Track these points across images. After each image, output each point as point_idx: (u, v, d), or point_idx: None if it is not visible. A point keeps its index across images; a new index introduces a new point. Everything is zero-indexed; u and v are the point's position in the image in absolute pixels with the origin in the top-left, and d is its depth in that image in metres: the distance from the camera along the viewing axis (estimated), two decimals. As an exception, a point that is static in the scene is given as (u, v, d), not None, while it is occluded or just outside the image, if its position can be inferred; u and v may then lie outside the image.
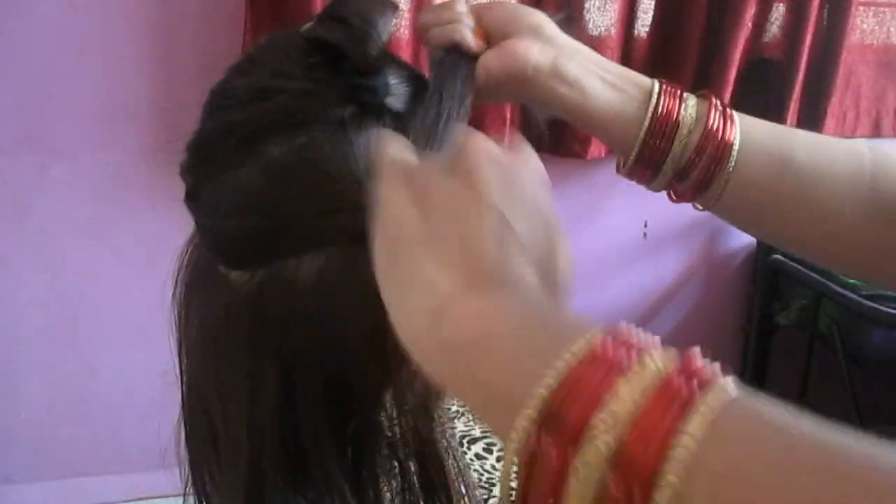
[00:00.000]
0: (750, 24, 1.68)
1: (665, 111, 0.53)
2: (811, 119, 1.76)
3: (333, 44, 0.43)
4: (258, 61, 0.46)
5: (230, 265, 0.46)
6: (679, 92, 0.54)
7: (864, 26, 1.79)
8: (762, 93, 1.72)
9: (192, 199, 0.48)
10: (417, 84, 0.49)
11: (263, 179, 0.43)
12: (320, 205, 0.43)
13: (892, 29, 1.80)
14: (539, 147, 1.46)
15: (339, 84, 0.43)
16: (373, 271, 0.36)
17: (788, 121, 1.72)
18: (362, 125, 0.44)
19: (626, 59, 1.63)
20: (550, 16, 0.56)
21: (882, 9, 1.79)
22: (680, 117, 0.53)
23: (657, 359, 0.26)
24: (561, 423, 0.26)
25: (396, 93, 0.46)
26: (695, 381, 0.26)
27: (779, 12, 1.69)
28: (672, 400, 0.25)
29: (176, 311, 0.50)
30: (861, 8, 1.76)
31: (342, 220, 0.43)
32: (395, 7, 0.45)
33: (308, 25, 0.45)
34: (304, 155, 0.43)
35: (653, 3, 1.62)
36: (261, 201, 0.44)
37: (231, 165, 0.44)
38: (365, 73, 0.43)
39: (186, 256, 0.50)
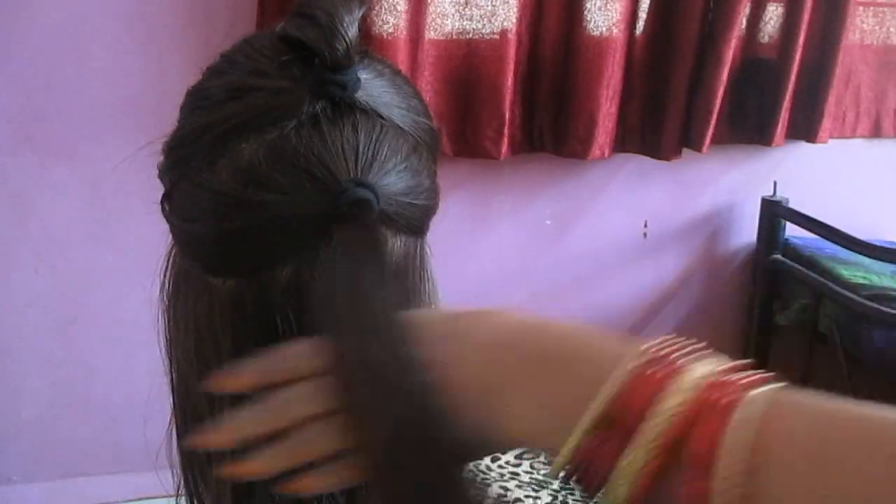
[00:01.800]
0: (745, 25, 1.68)
1: None
2: (806, 120, 1.76)
3: (302, 41, 0.43)
4: (234, 61, 0.47)
5: (206, 272, 0.47)
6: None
7: (864, 26, 1.79)
8: (757, 93, 1.72)
9: (167, 201, 0.48)
10: (393, 79, 0.49)
11: (234, 180, 0.43)
12: (291, 205, 0.43)
13: (892, 29, 1.80)
14: (541, 146, 1.46)
15: (309, 80, 0.43)
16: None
17: (782, 121, 1.72)
18: (335, 121, 0.44)
19: (625, 59, 1.63)
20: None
21: (882, 8, 1.79)
22: None
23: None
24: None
25: (368, 87, 0.46)
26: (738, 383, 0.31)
27: (776, 13, 1.69)
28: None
29: (162, 313, 0.50)
30: (861, 8, 1.76)
31: (314, 223, 0.43)
32: (362, 2, 0.45)
33: (281, 24, 0.46)
34: (273, 153, 0.43)
35: (647, 3, 1.62)
36: (230, 203, 0.44)
37: (205, 166, 0.44)
38: (335, 69, 0.43)
39: (170, 259, 0.50)
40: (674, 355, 0.32)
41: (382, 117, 0.46)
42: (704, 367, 0.32)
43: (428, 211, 0.50)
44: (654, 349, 0.33)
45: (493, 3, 1.54)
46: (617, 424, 0.31)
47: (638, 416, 0.30)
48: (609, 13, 1.57)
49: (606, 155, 1.67)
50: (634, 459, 0.30)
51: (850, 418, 0.30)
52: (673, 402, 0.30)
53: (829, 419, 0.30)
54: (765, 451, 0.29)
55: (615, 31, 1.58)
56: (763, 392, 0.31)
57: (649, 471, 0.30)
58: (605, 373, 0.32)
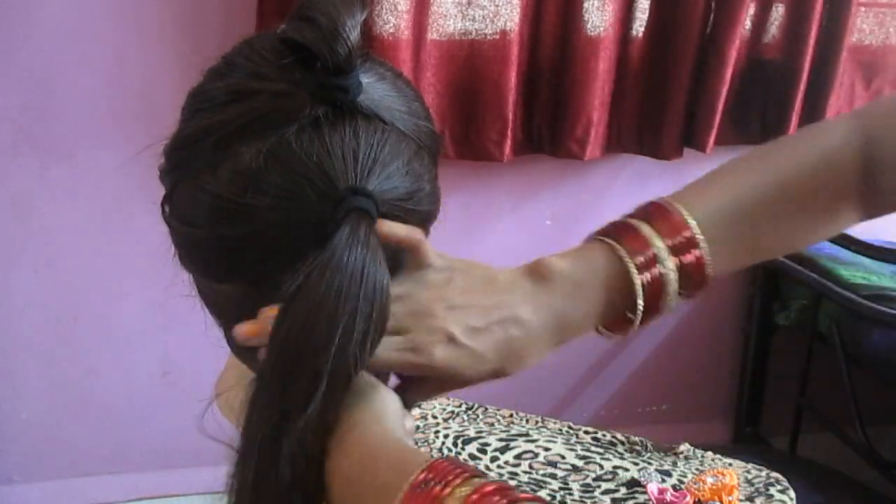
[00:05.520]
0: (749, 25, 1.68)
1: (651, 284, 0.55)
2: (809, 120, 1.76)
3: (303, 44, 0.43)
4: (235, 64, 0.46)
5: (205, 277, 0.47)
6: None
7: (863, 27, 1.79)
8: (762, 94, 1.72)
9: (167, 203, 0.48)
10: (395, 82, 0.48)
11: (234, 184, 0.43)
12: (289, 212, 0.43)
13: (890, 30, 1.80)
14: (539, 148, 1.47)
15: (311, 84, 0.43)
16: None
17: (791, 122, 1.72)
18: (336, 125, 0.43)
19: (622, 60, 1.63)
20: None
21: (881, 10, 1.79)
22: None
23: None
24: None
25: (370, 91, 0.45)
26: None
27: (778, 13, 1.69)
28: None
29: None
30: (862, 9, 1.76)
31: (312, 230, 0.42)
32: (364, 5, 0.45)
33: (282, 26, 0.45)
34: (273, 158, 0.43)
35: (649, 2, 1.62)
36: (229, 208, 0.43)
37: (205, 169, 0.44)
38: (336, 73, 0.43)
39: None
40: (453, 471, 0.37)
41: (384, 121, 0.45)
42: (469, 487, 0.36)
43: (428, 216, 0.50)
44: (435, 465, 0.38)
45: (496, 4, 1.53)
46: None
47: None
48: (606, 13, 1.57)
49: (603, 156, 1.67)
50: None
51: None
52: None
53: None
54: None
55: (611, 31, 1.58)
56: None
57: None
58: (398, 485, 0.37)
